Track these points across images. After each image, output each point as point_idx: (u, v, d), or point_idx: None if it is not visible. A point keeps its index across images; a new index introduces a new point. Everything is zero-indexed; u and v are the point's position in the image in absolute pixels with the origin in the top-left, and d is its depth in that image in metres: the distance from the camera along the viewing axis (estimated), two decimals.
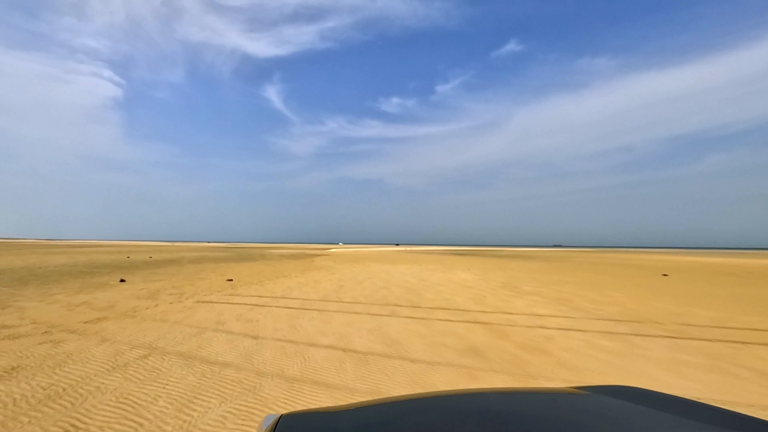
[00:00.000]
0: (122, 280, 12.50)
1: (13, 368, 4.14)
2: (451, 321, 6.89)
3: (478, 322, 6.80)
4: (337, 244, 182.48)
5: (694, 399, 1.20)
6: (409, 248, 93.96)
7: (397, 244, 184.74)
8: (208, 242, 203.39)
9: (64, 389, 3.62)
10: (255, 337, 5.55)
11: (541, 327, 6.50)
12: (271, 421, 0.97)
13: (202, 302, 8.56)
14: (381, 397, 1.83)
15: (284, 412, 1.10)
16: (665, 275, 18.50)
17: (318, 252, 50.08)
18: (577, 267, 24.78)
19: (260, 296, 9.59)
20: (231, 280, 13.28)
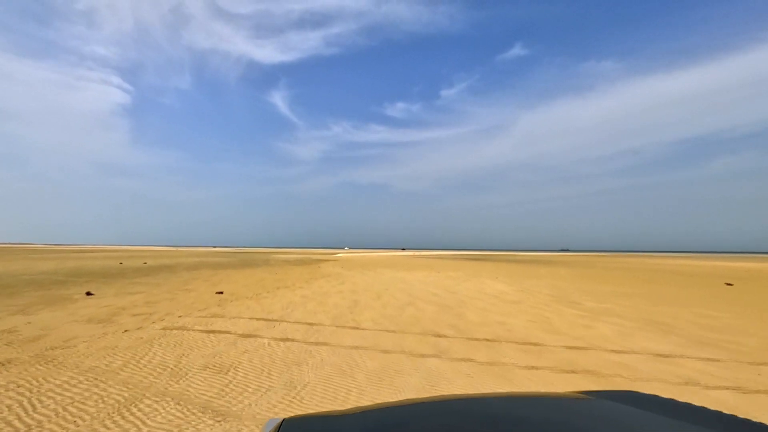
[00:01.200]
0: (89, 293, 10.28)
1: None
2: (537, 369, 4.46)
3: (580, 373, 4.36)
4: (343, 248, 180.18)
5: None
6: (416, 253, 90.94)
7: (403, 249, 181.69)
8: (214, 247, 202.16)
9: None
10: (221, 417, 3.19)
11: (695, 385, 4.05)
12: (273, 425, 0.95)
13: (171, 329, 6.25)
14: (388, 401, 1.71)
15: (287, 416, 1.05)
16: (729, 284, 15.81)
17: (324, 257, 47.76)
18: (616, 274, 22.10)
19: (252, 318, 7.27)
20: (221, 292, 10.99)
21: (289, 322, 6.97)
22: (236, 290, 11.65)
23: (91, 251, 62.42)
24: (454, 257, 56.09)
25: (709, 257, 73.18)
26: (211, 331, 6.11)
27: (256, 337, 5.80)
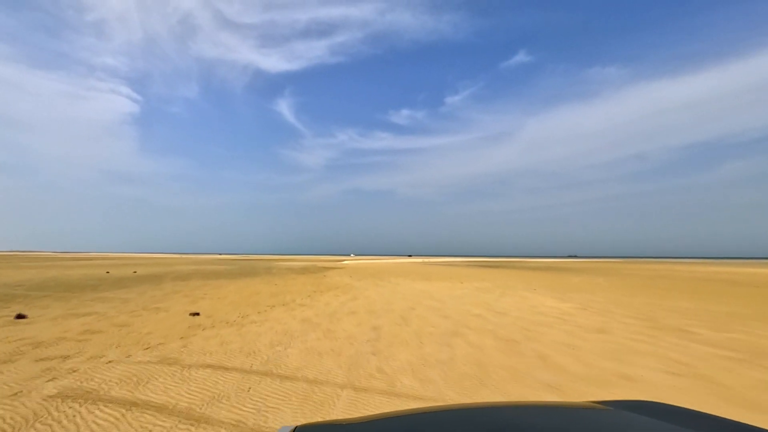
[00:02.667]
0: (20, 316, 7.71)
1: None
2: None
3: None
4: (349, 255, 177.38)
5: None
6: (424, 259, 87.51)
7: (409, 255, 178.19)
8: (220, 254, 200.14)
9: None
10: None
11: None
12: None
13: (70, 397, 3.61)
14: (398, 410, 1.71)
15: (298, 424, 1.03)
16: None
17: (330, 264, 44.99)
18: (661, 284, 19.07)
19: (219, 367, 4.61)
20: (197, 314, 8.34)
21: (278, 376, 4.30)
22: (218, 310, 9.02)
23: (89, 259, 60.47)
24: (466, 264, 52.98)
25: (721, 263, 69.02)
26: (135, 404, 3.45)
27: (211, 424, 3.13)
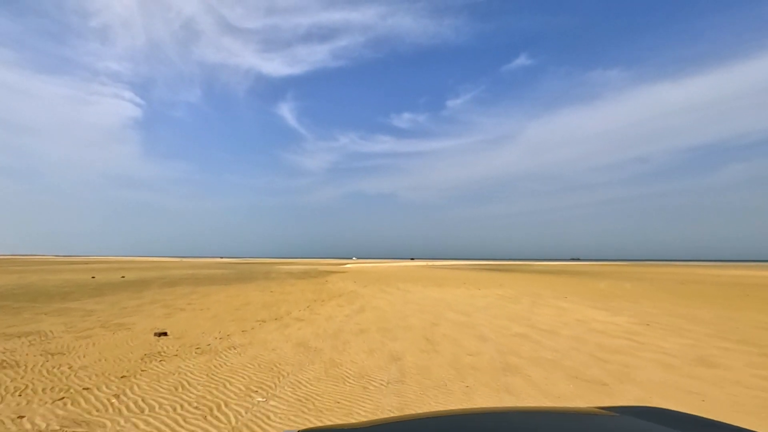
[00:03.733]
0: None
1: None
2: None
3: None
4: (351, 258, 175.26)
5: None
6: (428, 263, 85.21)
7: (411, 258, 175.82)
8: (221, 257, 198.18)
9: None
10: None
11: None
12: None
13: None
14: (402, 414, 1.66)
15: (303, 427, 1.03)
16: None
17: (332, 268, 43.08)
18: (690, 289, 17.09)
19: None
20: (164, 334, 6.51)
21: None
22: (194, 327, 7.21)
23: (84, 263, 58.90)
24: (471, 267, 50.96)
25: (732, 266, 66.54)
26: None
27: None
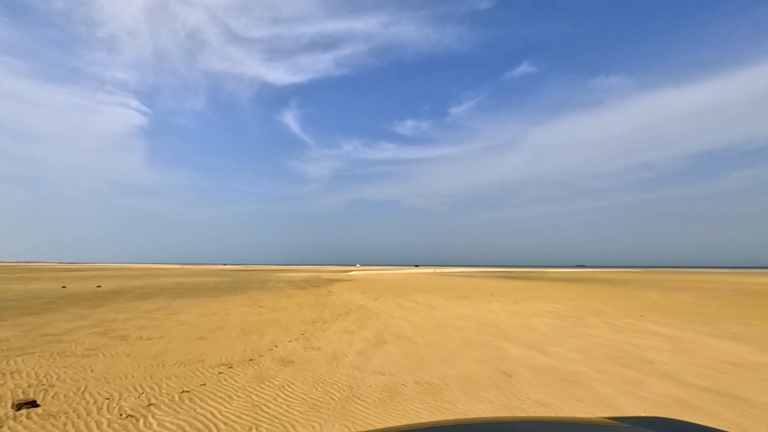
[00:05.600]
0: None
1: None
2: None
3: None
4: (355, 265, 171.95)
5: None
6: (435, 270, 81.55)
7: (416, 266, 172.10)
8: (224, 264, 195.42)
9: None
10: None
11: None
12: None
13: None
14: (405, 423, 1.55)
15: None
16: None
17: (336, 276, 39.96)
18: (737, 301, 13.88)
19: None
20: (31, 405, 3.61)
21: None
22: (101, 384, 4.31)
23: (77, 270, 56.36)
24: (483, 275, 47.65)
25: (746, 273, 62.43)
26: None
27: None
